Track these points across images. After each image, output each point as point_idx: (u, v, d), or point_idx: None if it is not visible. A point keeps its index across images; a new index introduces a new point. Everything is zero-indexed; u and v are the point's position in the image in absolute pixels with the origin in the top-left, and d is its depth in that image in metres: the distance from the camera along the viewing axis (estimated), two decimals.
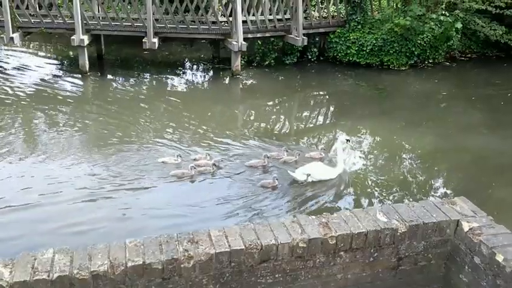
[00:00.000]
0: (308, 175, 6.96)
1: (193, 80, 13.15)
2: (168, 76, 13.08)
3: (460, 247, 3.25)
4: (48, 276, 2.67)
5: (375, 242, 3.21)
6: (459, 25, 13.02)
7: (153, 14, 12.23)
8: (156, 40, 12.14)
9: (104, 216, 6.03)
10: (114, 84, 12.20)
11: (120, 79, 12.54)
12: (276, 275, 3.09)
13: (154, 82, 12.76)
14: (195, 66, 14.25)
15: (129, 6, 13.54)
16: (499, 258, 2.90)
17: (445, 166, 8.18)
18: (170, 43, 15.35)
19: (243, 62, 13.00)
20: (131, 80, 12.50)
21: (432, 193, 7.17)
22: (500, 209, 6.62)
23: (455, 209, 3.43)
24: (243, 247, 2.93)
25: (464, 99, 11.82)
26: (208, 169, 7.19)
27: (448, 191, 7.23)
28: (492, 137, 9.36)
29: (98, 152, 7.92)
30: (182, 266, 2.86)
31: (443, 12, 12.90)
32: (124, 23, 12.56)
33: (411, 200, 6.70)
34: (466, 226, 3.23)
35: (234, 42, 12.12)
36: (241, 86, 12.59)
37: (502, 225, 3.22)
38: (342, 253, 3.17)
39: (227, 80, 12.75)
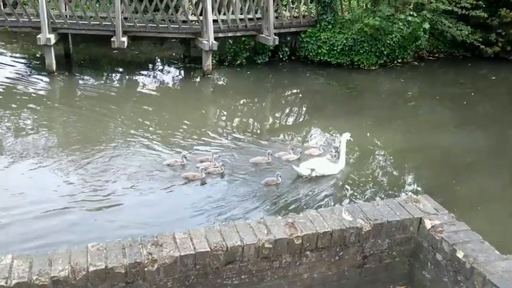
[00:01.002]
0: (312, 170, 7.26)
1: (164, 80, 13.01)
2: (138, 75, 12.91)
3: (423, 244, 3.32)
4: (6, 283, 2.59)
5: (340, 241, 3.24)
6: (427, 25, 13.30)
7: (122, 12, 12.05)
8: (125, 39, 11.96)
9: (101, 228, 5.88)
10: (83, 84, 11.96)
11: (89, 79, 12.31)
12: (242, 276, 3.09)
13: (124, 82, 12.58)
14: (165, 66, 14.11)
15: (97, 5, 13.29)
16: (460, 254, 2.97)
17: (414, 164, 8.36)
18: (140, 42, 15.16)
19: (214, 61, 12.95)
20: (100, 79, 12.29)
21: (402, 190, 7.30)
22: (465, 205, 6.81)
23: (418, 207, 3.49)
24: (208, 249, 2.92)
25: (432, 98, 12.09)
26: (217, 170, 7.26)
27: (418, 188, 7.39)
28: (459, 134, 9.61)
29: (66, 154, 7.75)
30: (146, 269, 2.82)
31: (411, 12, 13.15)
32: (92, 22, 12.32)
33: (384, 197, 6.83)
34: (428, 224, 3.29)
35: (205, 42, 12.06)
36: (212, 86, 12.54)
37: (463, 222, 3.30)
38: (308, 253, 3.19)
39: (198, 80, 12.67)
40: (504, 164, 8.31)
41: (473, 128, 10.03)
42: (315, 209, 5.79)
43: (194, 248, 2.91)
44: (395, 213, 3.41)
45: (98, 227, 5.87)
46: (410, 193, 7.07)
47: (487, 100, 12.11)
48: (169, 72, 13.66)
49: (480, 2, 13.72)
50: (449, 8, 13.61)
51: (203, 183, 7.07)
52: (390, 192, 7.15)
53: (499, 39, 14.33)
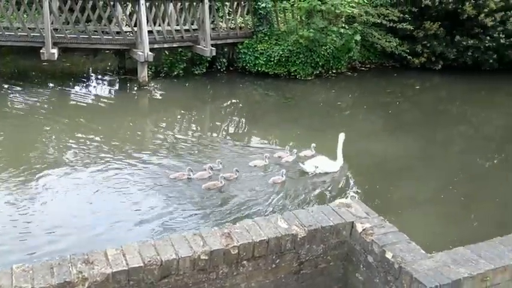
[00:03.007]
0: (316, 167, 7.95)
1: (98, 93, 12.63)
2: (70, 89, 12.45)
3: (355, 247, 3.44)
4: None
5: (276, 248, 3.29)
6: (358, 37, 13.91)
7: (52, 23, 11.61)
8: (55, 51, 11.52)
9: None
10: (10, 99, 11.36)
11: (17, 93, 11.70)
12: None
13: (55, 95, 12.07)
14: (99, 78, 13.72)
15: (25, 15, 12.73)
16: (389, 255, 3.11)
17: (349, 170, 8.64)
18: (71, 54, 14.66)
19: (150, 72, 12.79)
20: (29, 93, 11.70)
21: (337, 196, 7.51)
22: (396, 208, 7.13)
23: (350, 211, 3.62)
24: (142, 264, 2.86)
25: (364, 106, 12.61)
26: (233, 176, 7.51)
27: (352, 194, 7.63)
28: (390, 141, 10.05)
29: None
30: None
31: (344, 25, 13.71)
32: (19, 33, 11.78)
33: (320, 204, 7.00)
34: (359, 227, 3.42)
35: (140, 53, 11.89)
36: (149, 98, 12.33)
37: (392, 224, 3.46)
38: (244, 262, 3.20)
39: (134, 92, 12.44)
40: (431, 168, 8.79)
41: (402, 134, 10.53)
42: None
43: (127, 264, 2.84)
44: (328, 218, 3.51)
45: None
46: (346, 198, 7.30)
47: (415, 108, 12.80)
48: (103, 84, 13.29)
49: (406, 16, 14.57)
50: (379, 21, 14.32)
51: (222, 191, 7.22)
52: (328, 197, 7.36)
53: (424, 50, 15.21)
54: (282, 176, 7.55)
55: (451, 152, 9.97)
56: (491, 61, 15.36)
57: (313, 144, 8.87)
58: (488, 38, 14.69)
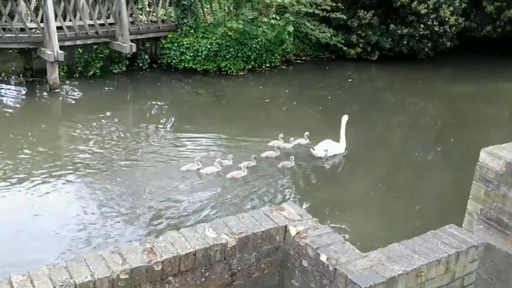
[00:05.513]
0: (326, 151, 8.95)
1: (1, 98, 12.00)
2: None
3: (289, 252, 3.52)
4: None
5: (205, 260, 3.30)
6: (290, 28, 14.21)
7: None
8: None
9: None
10: None
11: None
12: None
13: None
14: (2, 81, 13.03)
15: None
16: (323, 258, 3.22)
17: (283, 170, 8.82)
18: None
19: (62, 73, 12.40)
20: None
21: (272, 199, 7.65)
22: (332, 208, 7.41)
23: (283, 214, 3.70)
24: None
25: (302, 101, 12.91)
26: (251, 163, 8.50)
27: (286, 195, 7.83)
28: (330, 135, 10.32)
29: None
30: None
31: (275, 15, 13.95)
32: None
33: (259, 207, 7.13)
34: (293, 231, 3.51)
35: (49, 52, 11.49)
36: (62, 102, 11.93)
37: (326, 225, 3.58)
38: (170, 278, 3.19)
39: (45, 96, 11.96)
40: (368, 165, 9.20)
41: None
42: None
43: None
44: (260, 224, 3.57)
45: None
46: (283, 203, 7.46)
47: (353, 100, 13.26)
48: (7, 89, 12.62)
49: (339, 5, 15.07)
50: (311, 11, 14.70)
51: (246, 180, 8.12)
52: (264, 201, 7.49)
53: (359, 40, 15.82)
54: (291, 161, 8.62)
55: (390, 143, 10.49)
56: (426, 49, 16.29)
57: (307, 133, 9.55)
58: (422, 26, 15.53)
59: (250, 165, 8.44)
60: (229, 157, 8.57)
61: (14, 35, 11.81)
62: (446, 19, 15.59)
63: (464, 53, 17.30)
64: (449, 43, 17.30)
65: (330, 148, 9.10)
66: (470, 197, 4.24)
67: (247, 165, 8.38)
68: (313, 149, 9.07)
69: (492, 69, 15.64)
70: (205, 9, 14.51)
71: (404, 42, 15.91)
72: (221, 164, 8.37)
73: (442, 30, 15.74)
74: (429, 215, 7.07)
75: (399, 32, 15.64)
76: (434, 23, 15.52)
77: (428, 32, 15.67)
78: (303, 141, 9.57)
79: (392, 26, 15.70)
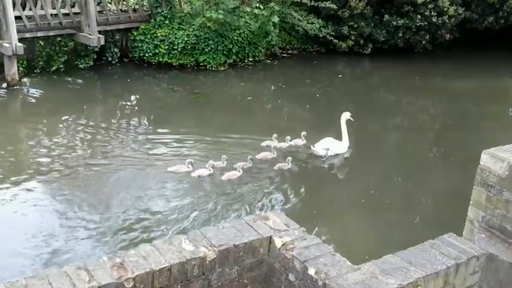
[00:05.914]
0: (327, 149, 9.11)
1: None
2: None
3: (274, 266, 3.53)
4: None
5: (181, 276, 3.29)
6: (276, 19, 14.26)
7: None
8: None
9: None
10: None
11: None
12: None
13: None
14: None
15: None
16: (311, 271, 3.23)
17: (269, 174, 8.86)
18: None
19: (21, 68, 12.33)
20: None
21: (256, 207, 7.68)
22: (320, 217, 7.46)
23: (268, 224, 3.71)
24: None
25: (288, 99, 12.96)
26: (247, 164, 8.77)
27: (272, 204, 7.85)
28: (320, 136, 10.38)
29: None
30: None
31: (258, 5, 13.98)
32: None
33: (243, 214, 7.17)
34: (278, 242, 3.51)
35: (6, 45, 11.43)
36: (22, 100, 11.84)
37: (314, 236, 3.60)
38: None
39: (2, 93, 11.84)
40: (360, 170, 9.29)
41: (333, 128, 10.94)
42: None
43: None
44: (243, 235, 3.57)
45: None
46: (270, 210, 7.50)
47: (345, 98, 13.38)
48: None
49: None
50: (298, 0, 14.79)
51: (243, 182, 8.34)
52: (247, 209, 7.52)
53: (351, 32, 15.92)
54: (288, 163, 8.83)
55: (386, 145, 10.59)
56: (423, 42, 16.47)
57: (304, 133, 9.67)
58: (419, 16, 15.71)
59: (246, 166, 8.67)
60: (223, 158, 8.80)
61: None
62: (445, 9, 15.79)
63: (464, 46, 17.51)
64: (448, 35, 17.51)
65: (332, 147, 9.24)
66: (470, 203, 4.29)
67: (243, 166, 8.61)
68: (313, 146, 9.21)
69: (495, 64, 15.86)
70: None
71: (400, 35, 16.07)
72: (213, 166, 8.57)
73: (440, 22, 15.93)
74: (426, 223, 7.15)
75: (394, 23, 15.79)
76: (432, 13, 15.71)
77: (425, 23, 15.86)
78: (300, 141, 9.73)
79: (386, 16, 15.85)
